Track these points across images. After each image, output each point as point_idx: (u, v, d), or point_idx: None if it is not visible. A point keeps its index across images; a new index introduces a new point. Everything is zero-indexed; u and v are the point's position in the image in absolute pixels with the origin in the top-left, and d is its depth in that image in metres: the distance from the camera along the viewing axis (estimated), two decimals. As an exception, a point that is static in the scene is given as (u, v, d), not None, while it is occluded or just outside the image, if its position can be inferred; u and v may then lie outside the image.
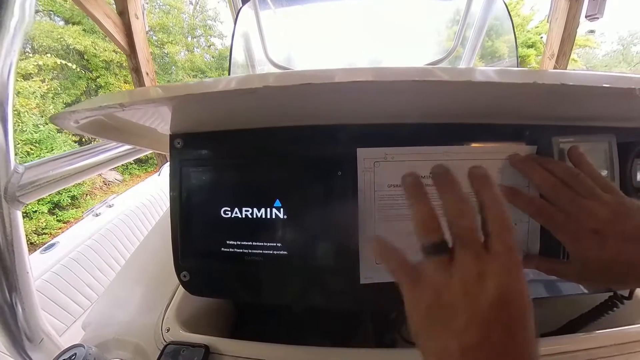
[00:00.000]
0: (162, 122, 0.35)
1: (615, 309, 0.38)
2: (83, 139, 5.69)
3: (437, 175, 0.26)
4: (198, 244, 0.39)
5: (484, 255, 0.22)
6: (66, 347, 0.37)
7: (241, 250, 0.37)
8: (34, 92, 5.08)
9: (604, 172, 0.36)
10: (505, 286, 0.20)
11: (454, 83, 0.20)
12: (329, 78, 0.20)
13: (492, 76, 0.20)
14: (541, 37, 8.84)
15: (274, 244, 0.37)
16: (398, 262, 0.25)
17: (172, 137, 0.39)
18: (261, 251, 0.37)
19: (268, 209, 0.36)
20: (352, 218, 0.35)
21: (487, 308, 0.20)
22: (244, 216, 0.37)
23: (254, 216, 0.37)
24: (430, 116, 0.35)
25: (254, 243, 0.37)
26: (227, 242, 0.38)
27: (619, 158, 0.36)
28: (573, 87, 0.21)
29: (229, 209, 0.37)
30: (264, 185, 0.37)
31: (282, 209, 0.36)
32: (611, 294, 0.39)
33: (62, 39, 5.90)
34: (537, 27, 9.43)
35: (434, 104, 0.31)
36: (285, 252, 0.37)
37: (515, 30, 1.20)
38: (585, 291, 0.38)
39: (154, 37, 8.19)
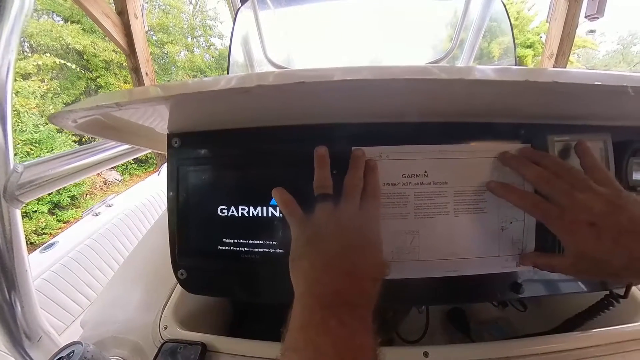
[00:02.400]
0: (160, 122, 0.36)
1: (611, 307, 0.38)
2: (83, 139, 5.68)
3: (354, 157, 0.34)
4: (195, 242, 0.39)
5: (357, 205, 0.31)
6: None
7: (238, 249, 0.37)
8: (34, 92, 5.07)
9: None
10: (365, 224, 0.30)
11: (449, 81, 0.20)
12: (324, 77, 0.20)
13: (487, 74, 0.20)
14: (540, 37, 8.85)
15: (270, 243, 0.37)
16: (294, 206, 0.32)
17: (170, 137, 0.39)
18: (258, 249, 0.37)
19: (264, 208, 0.37)
20: None
21: (349, 236, 0.29)
22: (240, 215, 0.37)
23: (251, 215, 0.37)
24: (426, 115, 0.35)
25: (250, 241, 0.37)
26: (224, 240, 0.38)
27: (614, 156, 0.37)
28: (566, 85, 0.21)
29: (226, 207, 0.37)
30: (260, 184, 0.37)
31: (278, 208, 0.36)
32: (607, 292, 0.39)
33: (61, 38, 5.87)
34: (537, 27, 9.43)
35: (430, 102, 0.32)
36: (281, 251, 0.37)
37: (515, 31, 1.20)
38: (582, 289, 0.38)
39: (153, 37, 8.17)
